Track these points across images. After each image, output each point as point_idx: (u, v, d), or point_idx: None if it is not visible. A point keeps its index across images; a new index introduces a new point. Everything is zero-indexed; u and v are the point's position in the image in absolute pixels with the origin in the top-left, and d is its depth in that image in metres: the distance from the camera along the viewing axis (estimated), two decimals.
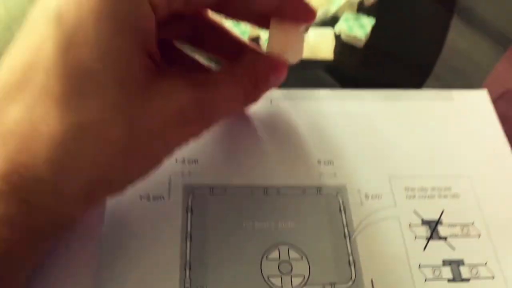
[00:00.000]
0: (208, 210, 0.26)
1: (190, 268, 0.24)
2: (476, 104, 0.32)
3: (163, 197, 0.26)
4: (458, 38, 0.38)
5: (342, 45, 0.35)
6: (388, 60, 0.36)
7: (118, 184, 0.20)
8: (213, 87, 0.22)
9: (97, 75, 0.18)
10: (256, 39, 0.34)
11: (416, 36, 0.38)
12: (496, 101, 0.35)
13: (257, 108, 0.30)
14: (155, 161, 0.21)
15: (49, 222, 0.19)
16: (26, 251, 0.19)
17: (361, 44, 0.35)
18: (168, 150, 0.21)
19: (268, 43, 0.25)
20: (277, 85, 0.25)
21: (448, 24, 0.39)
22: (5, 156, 0.17)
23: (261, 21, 0.26)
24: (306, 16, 0.24)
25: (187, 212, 0.26)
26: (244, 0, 0.24)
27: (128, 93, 0.19)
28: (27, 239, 0.18)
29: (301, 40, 0.26)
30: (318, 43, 0.34)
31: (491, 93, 0.33)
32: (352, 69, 0.35)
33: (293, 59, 0.26)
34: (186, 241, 0.25)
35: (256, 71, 0.24)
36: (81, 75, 0.18)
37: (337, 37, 0.35)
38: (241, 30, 0.33)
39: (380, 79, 0.34)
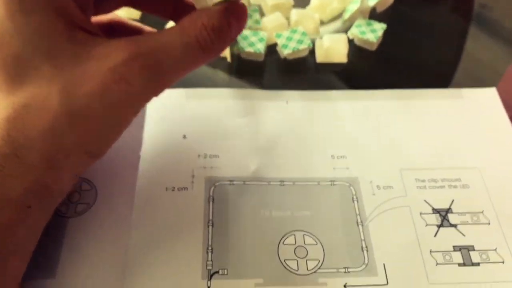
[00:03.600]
0: (228, 200, 0.28)
1: (212, 252, 0.26)
2: (486, 101, 0.33)
3: (186, 188, 0.28)
4: (471, 43, 0.40)
5: (355, 49, 0.37)
6: (401, 64, 0.37)
7: (77, 149, 0.22)
8: (155, 40, 0.22)
9: (29, 59, 0.21)
10: (273, 46, 0.37)
11: (428, 40, 0.39)
12: None
13: (273, 108, 0.32)
14: (105, 122, 0.22)
15: (24, 189, 0.21)
16: (9, 219, 0.20)
17: (373, 47, 0.37)
18: (116, 111, 0.22)
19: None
20: (235, 32, 0.23)
21: (460, 28, 0.40)
22: None
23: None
24: None
25: (208, 201, 0.28)
26: None
27: (59, 65, 0.21)
28: (8, 207, 0.20)
29: None
30: (332, 48, 0.36)
31: (505, 93, 0.34)
32: (365, 72, 0.37)
33: None
34: (208, 227, 0.27)
35: (209, 19, 0.22)
36: (15, 63, 0.21)
37: (350, 42, 0.37)
38: (259, 37, 0.35)
39: (392, 81, 0.36)
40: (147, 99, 0.23)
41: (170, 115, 0.32)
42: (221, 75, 0.36)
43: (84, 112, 0.21)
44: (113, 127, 0.23)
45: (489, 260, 0.26)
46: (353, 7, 0.38)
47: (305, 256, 0.26)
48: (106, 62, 0.21)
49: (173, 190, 0.28)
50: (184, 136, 0.31)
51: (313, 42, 0.36)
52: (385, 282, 0.25)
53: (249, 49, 0.35)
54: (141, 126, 0.31)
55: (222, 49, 0.24)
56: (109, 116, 0.22)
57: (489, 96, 0.34)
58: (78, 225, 0.27)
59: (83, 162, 0.23)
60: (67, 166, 0.22)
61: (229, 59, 0.36)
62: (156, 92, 0.23)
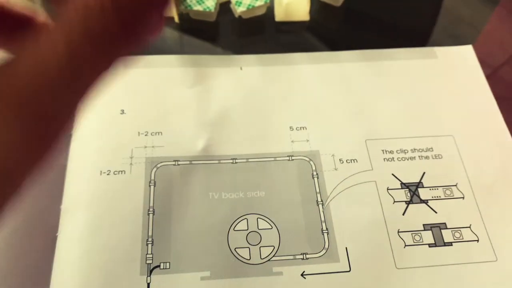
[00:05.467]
0: (172, 183, 0.25)
1: (152, 243, 0.23)
2: (461, 60, 0.30)
3: (124, 172, 0.25)
4: None
5: (318, 5, 0.33)
6: (370, 21, 0.34)
7: None
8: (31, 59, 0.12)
9: None
10: (226, 3, 0.32)
11: None
12: (502, 66, 0.33)
13: (225, 75, 0.29)
14: None
15: None
16: None
17: (338, 3, 0.33)
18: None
19: None
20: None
21: None
22: None
23: None
24: None
25: (149, 186, 0.24)
26: None
27: None
28: None
29: None
30: (292, 4, 0.32)
31: (484, 50, 0.31)
32: (329, 31, 0.33)
33: None
34: (148, 215, 0.24)
35: None
36: None
37: None
38: None
39: (361, 42, 0.32)
40: (38, 157, 0.13)
41: (106, 87, 0.28)
42: (167, 39, 0.32)
43: None
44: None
45: (462, 238, 0.24)
46: None
47: (259, 243, 0.23)
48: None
49: (108, 174, 0.25)
50: (122, 111, 0.27)
51: None
52: (348, 269, 0.23)
53: (198, 8, 0.31)
54: None
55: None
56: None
57: (465, 54, 0.30)
58: None
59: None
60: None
61: (176, 20, 0.32)
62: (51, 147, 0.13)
